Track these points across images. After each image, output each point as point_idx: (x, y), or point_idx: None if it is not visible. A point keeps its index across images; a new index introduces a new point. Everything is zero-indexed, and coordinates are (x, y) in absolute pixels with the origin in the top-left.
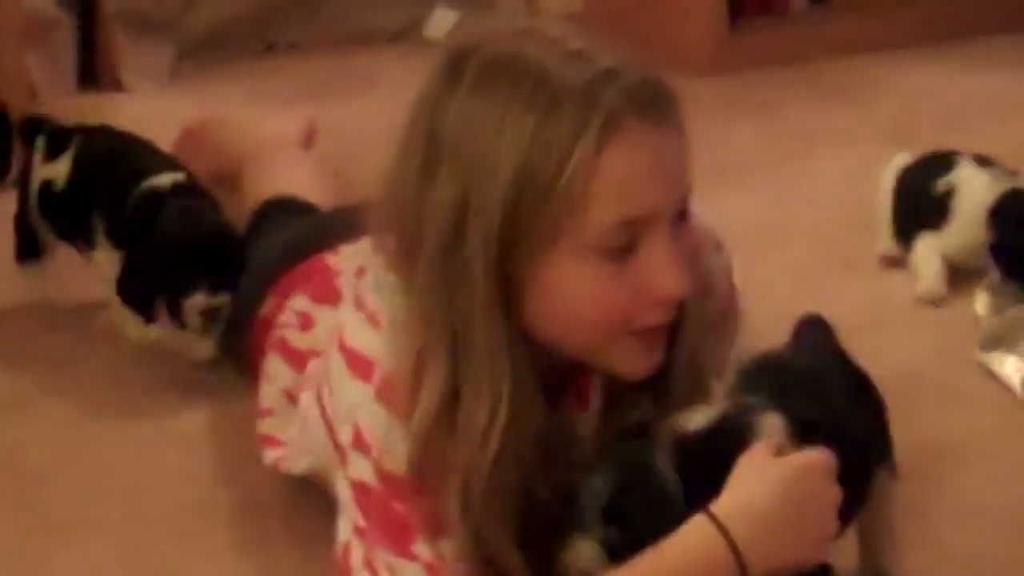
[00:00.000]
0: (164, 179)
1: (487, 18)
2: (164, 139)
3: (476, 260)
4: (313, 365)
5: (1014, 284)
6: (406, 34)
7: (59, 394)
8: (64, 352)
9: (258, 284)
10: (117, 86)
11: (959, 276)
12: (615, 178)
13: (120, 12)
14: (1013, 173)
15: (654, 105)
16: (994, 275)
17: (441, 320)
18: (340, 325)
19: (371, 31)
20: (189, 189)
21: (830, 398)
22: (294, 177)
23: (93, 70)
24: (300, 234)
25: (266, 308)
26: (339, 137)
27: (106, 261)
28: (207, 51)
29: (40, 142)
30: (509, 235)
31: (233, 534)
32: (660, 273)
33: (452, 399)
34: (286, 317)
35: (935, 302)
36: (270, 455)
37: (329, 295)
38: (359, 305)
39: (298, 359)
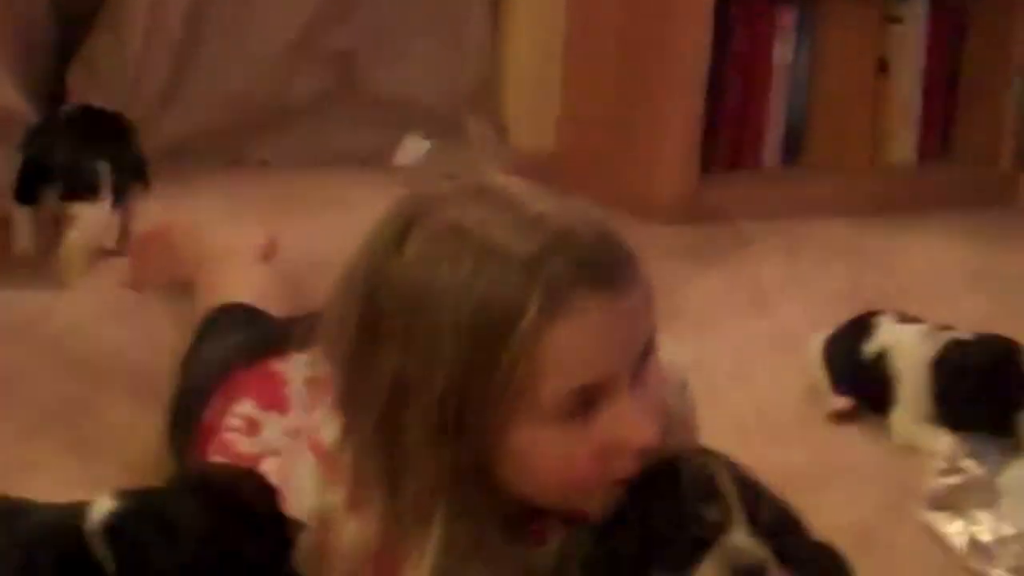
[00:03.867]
0: None
1: (442, 175)
2: None
3: (413, 430)
4: (271, 463)
5: (961, 433)
6: (376, 159)
7: None
8: None
9: (204, 387)
10: None
11: None
12: (563, 351)
13: None
14: (944, 328)
15: (605, 270)
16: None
17: (375, 475)
18: (316, 426)
19: (341, 154)
20: None
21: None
22: (249, 284)
23: None
24: (249, 339)
25: (211, 411)
26: (300, 253)
27: None
28: (172, 160)
29: None
30: (458, 407)
31: None
32: (626, 429)
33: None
34: (231, 421)
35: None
36: None
37: (277, 402)
38: None
39: (244, 462)
